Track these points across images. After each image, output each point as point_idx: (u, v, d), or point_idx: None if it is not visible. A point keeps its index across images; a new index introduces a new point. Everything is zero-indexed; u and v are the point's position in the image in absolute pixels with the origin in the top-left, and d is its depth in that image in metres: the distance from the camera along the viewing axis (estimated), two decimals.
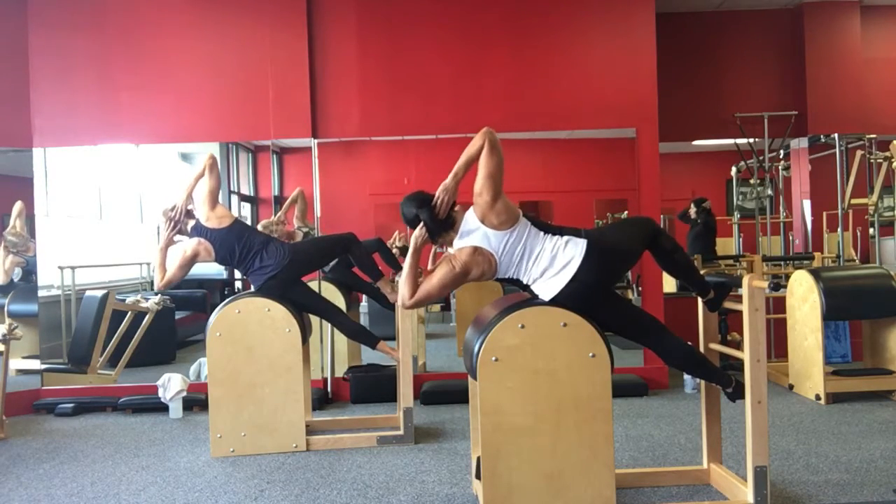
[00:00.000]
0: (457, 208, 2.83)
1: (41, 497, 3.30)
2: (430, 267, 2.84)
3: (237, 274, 5.94)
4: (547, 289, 2.75)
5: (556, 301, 2.73)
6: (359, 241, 4.19)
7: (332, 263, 4.95)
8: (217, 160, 4.08)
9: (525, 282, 2.80)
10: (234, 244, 3.94)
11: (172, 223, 3.99)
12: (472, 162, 2.77)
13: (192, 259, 3.96)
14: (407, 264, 2.81)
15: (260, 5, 5.21)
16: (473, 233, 2.76)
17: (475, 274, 2.75)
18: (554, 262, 2.72)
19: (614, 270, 2.91)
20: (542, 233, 2.77)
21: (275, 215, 5.36)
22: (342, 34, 5.26)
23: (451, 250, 2.83)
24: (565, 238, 2.75)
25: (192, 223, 4.00)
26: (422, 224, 2.81)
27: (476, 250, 2.73)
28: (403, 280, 2.79)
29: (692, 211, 6.68)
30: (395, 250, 5.25)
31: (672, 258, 2.94)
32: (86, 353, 5.27)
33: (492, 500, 2.70)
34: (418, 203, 2.82)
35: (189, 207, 4.04)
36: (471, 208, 2.79)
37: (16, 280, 5.29)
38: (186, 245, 3.97)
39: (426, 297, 2.79)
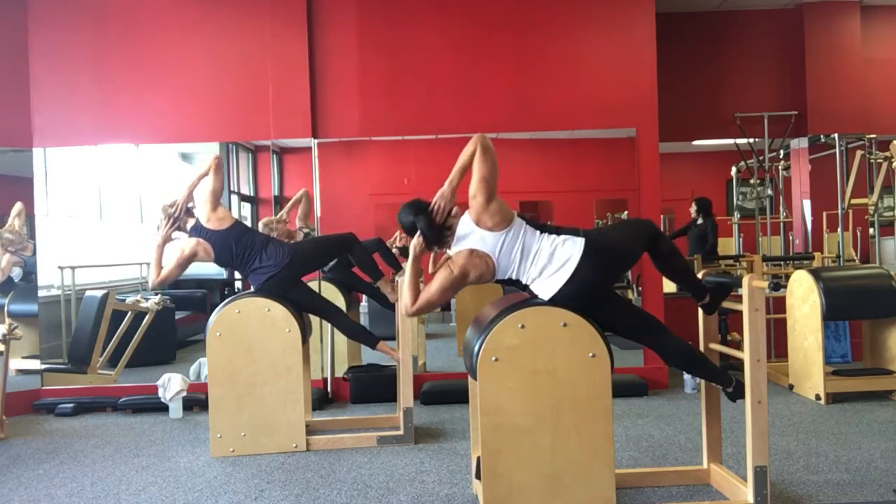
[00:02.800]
0: (454, 211, 2.83)
1: (41, 497, 3.30)
2: (430, 269, 2.83)
3: (237, 274, 5.94)
4: (546, 287, 2.75)
5: (555, 300, 2.73)
6: (359, 241, 4.19)
7: (331, 263, 4.96)
8: (223, 162, 4.07)
9: (524, 282, 2.80)
10: (232, 245, 3.93)
11: (171, 220, 3.98)
12: (466, 168, 2.79)
13: (190, 259, 3.95)
14: (408, 272, 2.82)
15: (260, 5, 5.21)
16: (469, 236, 2.77)
17: (473, 276, 2.75)
18: (552, 261, 2.73)
19: (612, 270, 2.91)
20: (538, 232, 2.77)
21: (276, 214, 5.37)
22: (342, 34, 5.26)
23: (450, 252, 2.83)
24: (563, 237, 2.75)
25: (191, 222, 4.00)
26: (419, 233, 2.81)
27: (472, 252, 2.74)
28: (405, 288, 2.80)
29: (693, 210, 6.68)
30: (394, 250, 5.25)
31: (669, 262, 2.95)
32: (86, 353, 5.27)
33: (492, 500, 2.70)
34: (415, 211, 2.82)
35: (190, 205, 4.04)
36: (465, 212, 2.80)
37: (16, 280, 5.29)
38: (185, 244, 3.97)
39: (427, 305, 2.79)
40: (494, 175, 2.76)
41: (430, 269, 2.85)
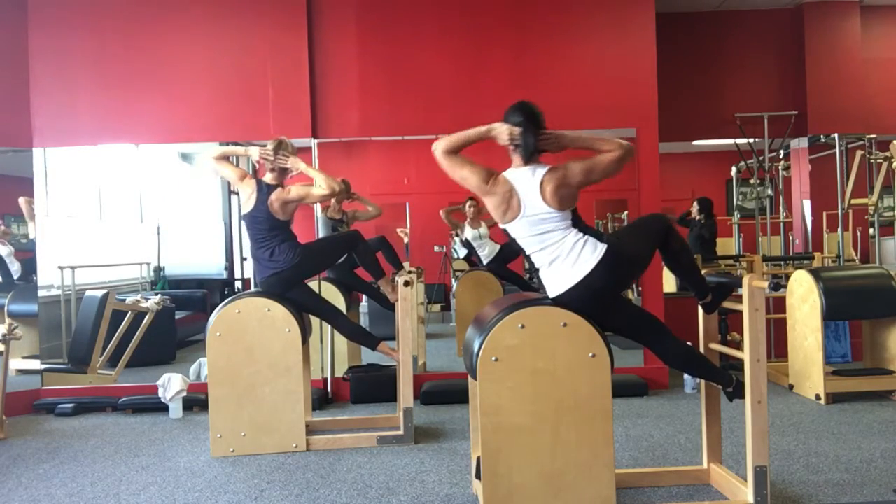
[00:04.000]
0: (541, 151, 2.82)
1: (41, 497, 3.30)
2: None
3: (237, 274, 5.95)
4: (554, 282, 2.74)
5: (560, 299, 2.74)
6: (364, 240, 4.20)
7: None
8: (337, 194, 4.05)
9: (533, 261, 2.81)
10: (264, 226, 3.90)
11: (270, 161, 3.94)
12: (590, 150, 2.78)
13: (238, 178, 3.97)
14: (468, 133, 2.80)
15: (260, 6, 5.21)
16: (528, 181, 2.75)
17: (491, 203, 2.79)
18: (568, 257, 2.72)
19: (626, 279, 2.95)
20: (572, 228, 2.77)
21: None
22: (342, 34, 5.26)
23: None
24: (586, 238, 2.74)
25: (270, 176, 3.95)
26: (517, 129, 2.79)
27: (512, 192, 2.74)
28: (454, 137, 2.80)
29: (694, 210, 6.68)
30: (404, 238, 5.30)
31: (678, 258, 2.95)
32: (86, 353, 5.26)
33: (492, 500, 2.70)
34: (530, 118, 2.81)
35: (291, 171, 3.99)
36: (549, 168, 2.77)
37: (15, 277, 5.29)
38: (250, 181, 3.94)
39: (450, 164, 2.82)
40: (600, 179, 2.76)
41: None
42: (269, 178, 3.96)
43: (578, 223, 2.79)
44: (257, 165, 4.08)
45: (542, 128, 2.84)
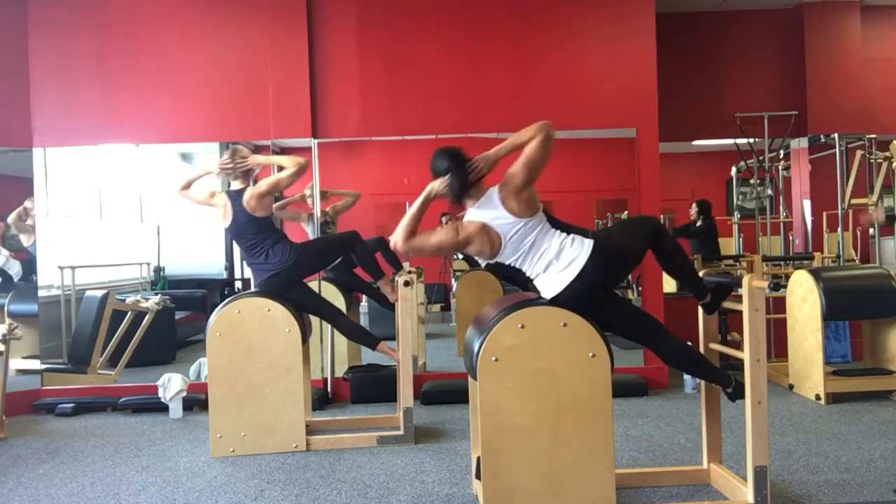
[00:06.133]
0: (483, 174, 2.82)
1: (41, 497, 3.30)
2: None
3: (237, 274, 5.94)
4: (550, 285, 2.75)
5: (557, 300, 2.74)
6: (362, 240, 4.19)
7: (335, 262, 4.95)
8: (305, 169, 4.01)
9: (528, 274, 2.81)
10: (250, 233, 3.91)
11: (232, 169, 3.95)
12: (518, 148, 2.77)
13: (208, 199, 4.00)
14: (413, 208, 2.80)
15: (260, 5, 5.21)
16: (490, 210, 2.76)
17: (473, 249, 2.78)
18: (559, 259, 2.73)
19: (617, 272, 2.92)
20: (552, 229, 2.78)
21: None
22: (342, 34, 5.26)
23: (468, 215, 2.82)
24: (572, 236, 2.76)
25: (236, 184, 3.96)
26: (446, 179, 2.80)
27: (484, 228, 2.74)
28: (404, 222, 2.77)
29: (693, 212, 6.68)
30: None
31: (672, 260, 2.95)
32: (86, 353, 5.27)
33: (492, 500, 2.70)
34: (453, 160, 2.82)
35: (254, 170, 4.01)
36: (497, 186, 2.79)
37: (15, 279, 5.29)
38: (218, 197, 3.97)
39: (419, 248, 2.80)
40: (542, 165, 2.75)
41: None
42: (235, 185, 3.98)
43: (557, 224, 2.80)
44: (222, 177, 4.09)
45: (465, 163, 2.81)
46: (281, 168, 3.97)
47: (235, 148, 4.01)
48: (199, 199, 4.07)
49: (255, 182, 4.01)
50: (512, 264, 2.81)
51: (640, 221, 3.18)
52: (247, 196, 3.88)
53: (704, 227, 6.63)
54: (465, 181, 2.79)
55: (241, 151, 3.99)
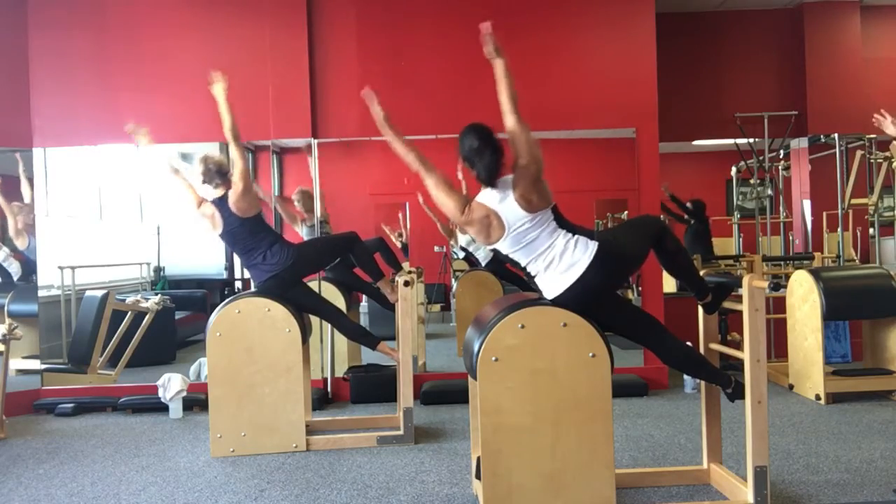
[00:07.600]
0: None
1: (41, 497, 3.30)
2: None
3: (237, 274, 5.94)
4: (551, 285, 2.75)
5: (558, 301, 2.74)
6: (361, 241, 4.19)
7: (334, 262, 4.95)
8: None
9: (529, 271, 2.81)
10: (244, 237, 3.92)
11: (207, 176, 3.96)
12: (511, 97, 2.90)
13: (197, 200, 4.00)
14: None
15: (260, 5, 5.21)
16: (500, 195, 2.75)
17: (472, 231, 2.81)
18: (562, 259, 2.72)
19: (620, 276, 2.94)
20: (558, 228, 2.77)
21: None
22: (342, 34, 5.26)
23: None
24: (577, 237, 2.75)
25: (217, 192, 3.95)
26: (469, 150, 2.80)
27: (489, 217, 2.75)
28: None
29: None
30: (398, 244, 5.24)
31: (675, 259, 2.95)
32: (86, 353, 5.26)
33: (492, 500, 2.70)
34: (485, 141, 2.81)
35: (230, 172, 3.99)
36: (512, 176, 2.78)
37: (15, 278, 5.29)
38: (205, 207, 3.96)
39: (437, 190, 2.85)
40: (533, 149, 2.76)
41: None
42: (217, 193, 3.98)
43: (564, 223, 2.79)
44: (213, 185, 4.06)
45: (495, 147, 2.81)
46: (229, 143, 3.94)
47: (203, 157, 4.01)
48: (188, 197, 4.03)
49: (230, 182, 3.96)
50: (509, 255, 2.81)
51: (644, 222, 3.18)
52: (232, 199, 3.88)
53: (697, 225, 6.63)
54: (496, 162, 2.78)
55: (207, 158, 4.00)
